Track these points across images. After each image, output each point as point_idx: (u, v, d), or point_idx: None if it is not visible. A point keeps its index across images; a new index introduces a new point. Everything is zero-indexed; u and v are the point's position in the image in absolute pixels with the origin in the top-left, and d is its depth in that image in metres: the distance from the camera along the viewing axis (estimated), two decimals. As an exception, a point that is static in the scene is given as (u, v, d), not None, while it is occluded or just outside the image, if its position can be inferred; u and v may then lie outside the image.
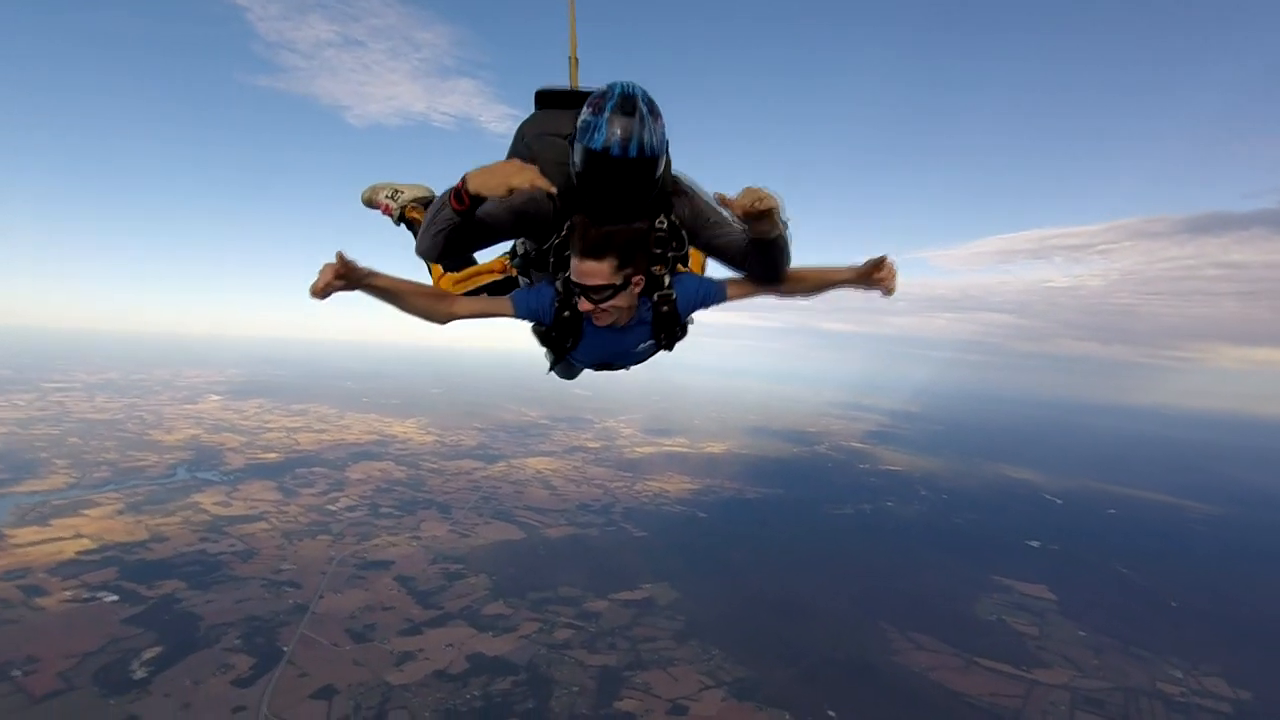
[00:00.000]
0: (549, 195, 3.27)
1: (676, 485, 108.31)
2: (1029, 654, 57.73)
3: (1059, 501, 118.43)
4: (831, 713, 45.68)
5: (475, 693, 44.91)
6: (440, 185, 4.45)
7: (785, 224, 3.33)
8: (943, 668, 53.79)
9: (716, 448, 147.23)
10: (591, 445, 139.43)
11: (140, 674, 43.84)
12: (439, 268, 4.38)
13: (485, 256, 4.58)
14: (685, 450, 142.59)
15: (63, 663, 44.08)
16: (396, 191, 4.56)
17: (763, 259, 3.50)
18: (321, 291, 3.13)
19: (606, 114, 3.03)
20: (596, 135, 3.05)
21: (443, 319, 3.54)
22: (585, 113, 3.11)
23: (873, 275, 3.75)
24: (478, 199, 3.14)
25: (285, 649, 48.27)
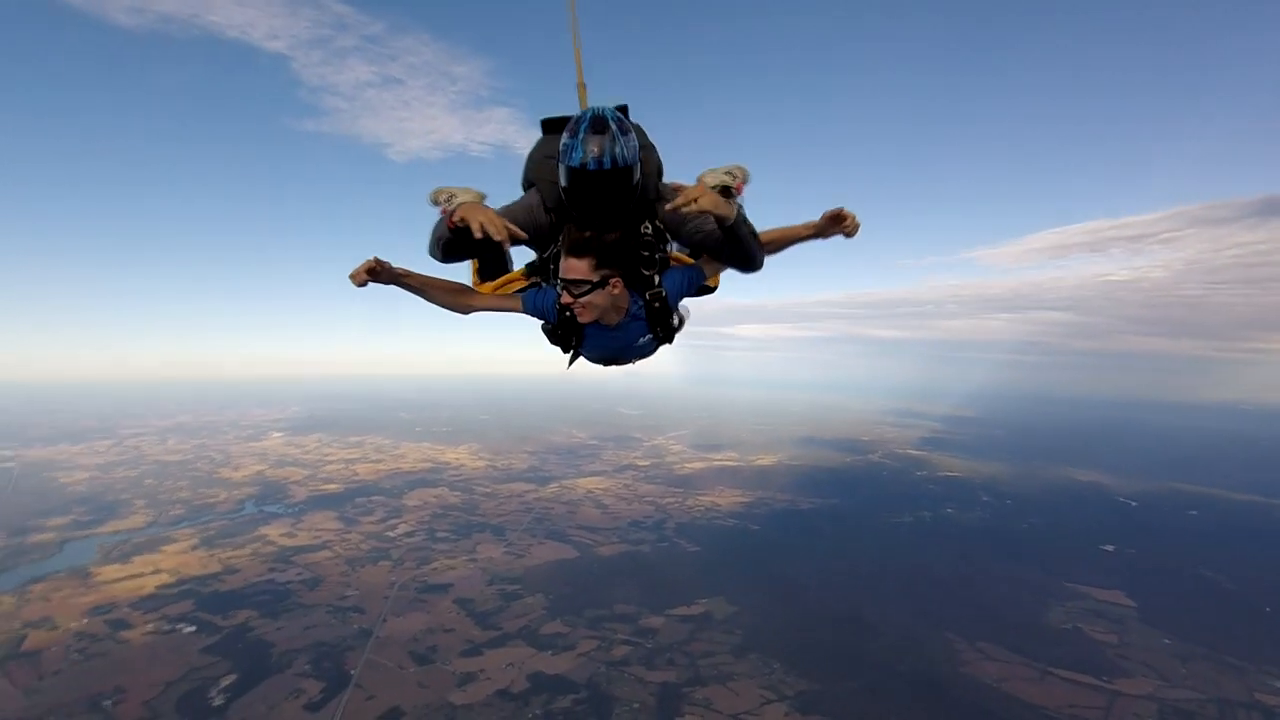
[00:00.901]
0: (544, 209, 4.02)
1: (728, 499, 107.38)
2: (1109, 663, 54.92)
3: (1134, 504, 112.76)
4: (900, 726, 44.37)
5: (537, 711, 45.20)
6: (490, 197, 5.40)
7: (739, 206, 3.77)
8: (1015, 678, 51.62)
9: (767, 460, 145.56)
10: (641, 463, 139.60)
11: (219, 701, 45.65)
12: (476, 277, 4.85)
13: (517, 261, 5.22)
14: (735, 464, 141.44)
15: (147, 692, 46.25)
16: (451, 195, 4.92)
17: (733, 248, 3.93)
18: (357, 279, 3.89)
19: (581, 135, 3.49)
20: (574, 154, 3.52)
21: (464, 310, 4.28)
22: (564, 137, 3.59)
23: (833, 226, 4.21)
24: (461, 226, 3.84)
25: (352, 672, 49.58)
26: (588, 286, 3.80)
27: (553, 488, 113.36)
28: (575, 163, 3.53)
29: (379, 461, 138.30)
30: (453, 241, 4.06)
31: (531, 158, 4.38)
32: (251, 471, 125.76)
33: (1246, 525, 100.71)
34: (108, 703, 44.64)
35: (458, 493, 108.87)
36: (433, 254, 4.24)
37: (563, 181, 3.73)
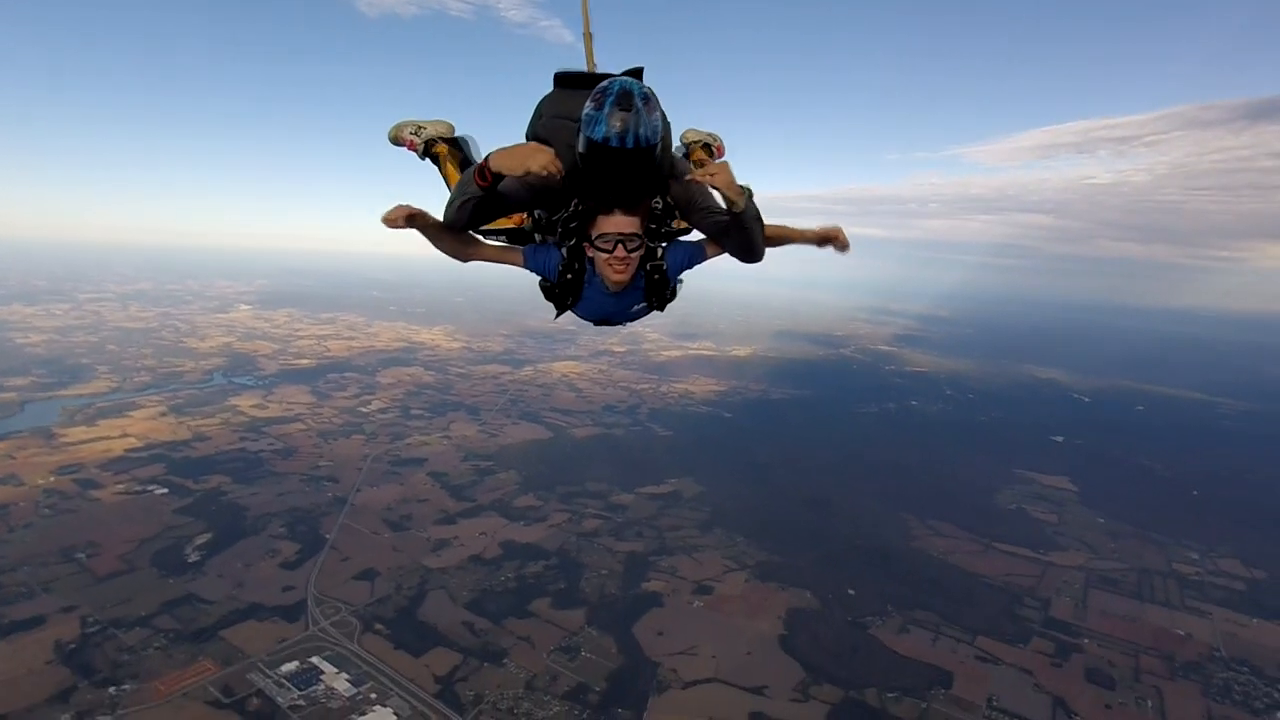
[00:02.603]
0: (560, 173, 3.62)
1: (702, 387, 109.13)
2: (1046, 539, 58.74)
3: (1086, 399, 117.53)
4: (851, 591, 47.32)
5: (509, 575, 47.15)
6: (461, 118, 5.18)
7: (749, 194, 3.70)
8: (960, 551, 55.08)
9: (742, 351, 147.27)
10: (617, 349, 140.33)
11: (194, 557, 46.65)
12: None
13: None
14: (711, 353, 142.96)
15: (122, 547, 46.97)
16: (419, 128, 4.91)
17: (739, 235, 3.90)
18: (390, 223, 3.62)
19: (606, 109, 3.30)
20: (597, 127, 3.31)
21: (465, 258, 4.15)
22: (588, 105, 3.37)
23: (827, 239, 4.23)
24: (499, 176, 3.53)
25: (327, 536, 50.80)
26: (638, 242, 3.80)
27: (528, 371, 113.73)
28: (598, 136, 3.34)
29: (352, 339, 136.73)
30: (484, 200, 3.70)
31: (541, 112, 4.16)
32: (219, 343, 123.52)
33: (1188, 420, 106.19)
34: (81, 555, 45.36)
35: (432, 372, 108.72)
36: (454, 223, 3.84)
37: (581, 149, 3.51)
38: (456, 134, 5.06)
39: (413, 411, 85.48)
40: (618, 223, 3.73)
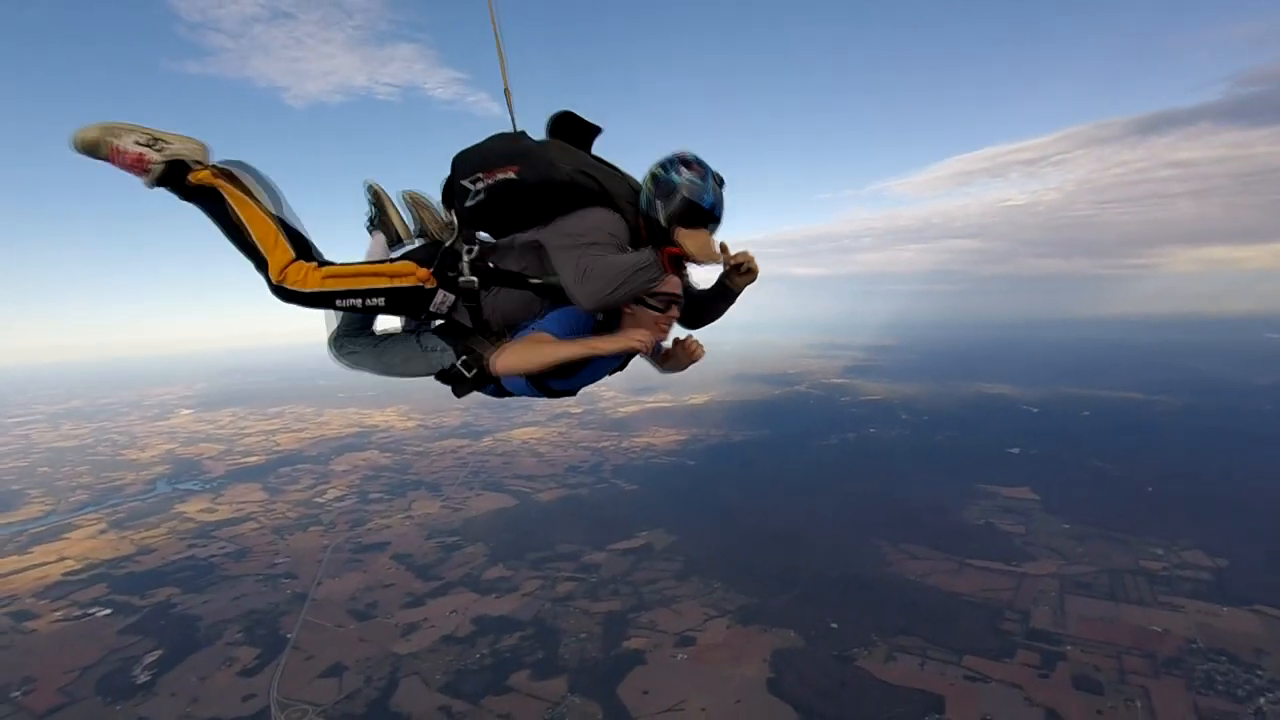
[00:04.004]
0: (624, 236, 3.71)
1: (663, 438, 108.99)
2: (1017, 550, 59.59)
3: (1035, 410, 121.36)
4: (834, 625, 46.89)
5: (484, 651, 45.28)
6: (398, 187, 4.33)
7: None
8: (936, 572, 55.37)
9: (700, 398, 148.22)
10: (574, 410, 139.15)
11: (143, 678, 43.47)
12: (290, 254, 3.51)
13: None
14: (669, 404, 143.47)
15: (62, 678, 43.51)
16: (156, 140, 3.34)
17: (717, 307, 4.24)
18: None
19: (710, 181, 3.63)
20: (706, 196, 3.60)
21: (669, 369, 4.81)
22: (687, 173, 3.61)
23: (737, 274, 4.11)
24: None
25: (289, 636, 48.12)
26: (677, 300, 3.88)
27: (487, 441, 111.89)
28: (707, 204, 3.63)
29: (301, 430, 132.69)
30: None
31: (553, 160, 3.62)
32: (160, 450, 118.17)
33: (1132, 420, 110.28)
34: (17, 694, 41.78)
35: (389, 454, 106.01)
36: (611, 298, 3.57)
37: (675, 210, 3.64)
38: (216, 160, 3.48)
39: (371, 495, 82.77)
40: (674, 283, 3.78)
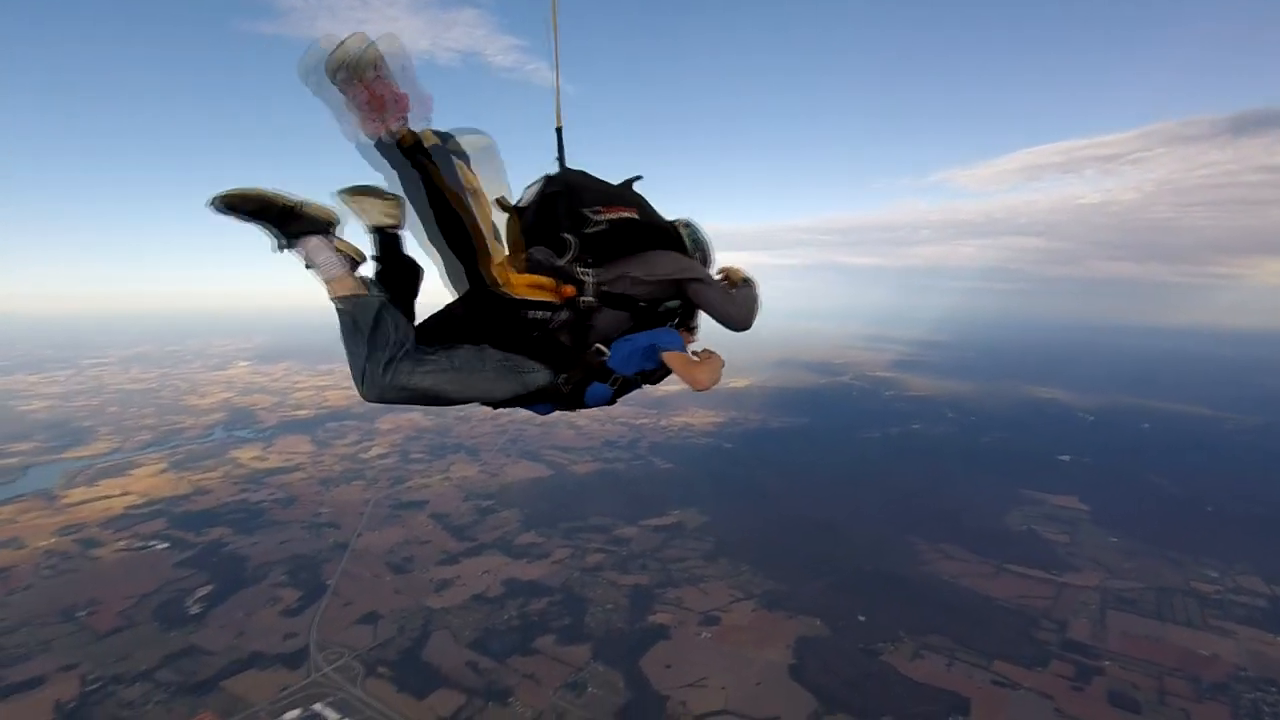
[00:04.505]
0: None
1: (702, 419, 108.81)
2: (1059, 560, 57.79)
3: (1090, 418, 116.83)
4: (861, 618, 46.46)
5: (513, 613, 46.43)
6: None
7: None
8: (971, 575, 54.18)
9: (740, 382, 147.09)
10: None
11: (195, 609, 46.05)
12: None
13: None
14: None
15: (122, 603, 46.43)
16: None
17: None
18: None
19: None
20: (710, 248, 4.59)
21: None
22: (701, 235, 4.56)
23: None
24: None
25: (329, 582, 50.20)
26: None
27: (526, 411, 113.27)
28: (709, 253, 4.63)
29: (350, 388, 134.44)
30: None
31: (642, 204, 4.21)
32: (219, 399, 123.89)
33: (1195, 436, 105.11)
34: (82, 613, 44.80)
35: (431, 417, 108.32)
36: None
37: (702, 252, 4.57)
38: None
39: (412, 455, 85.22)
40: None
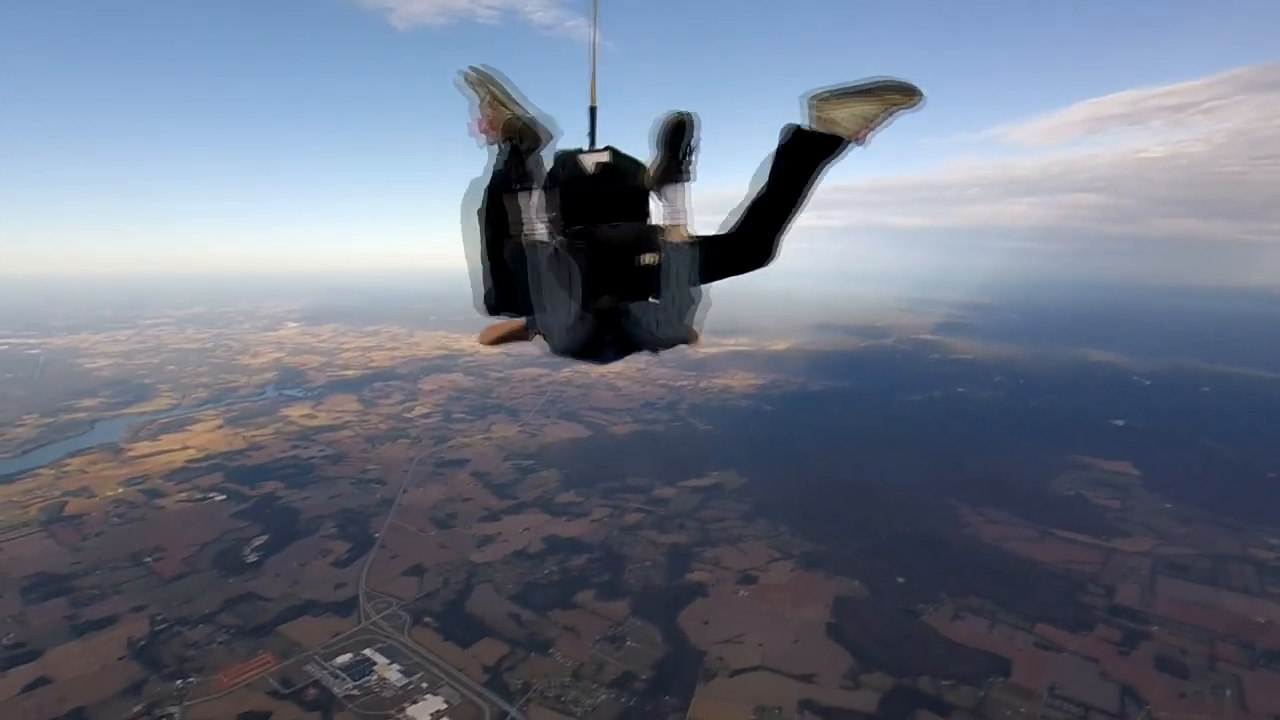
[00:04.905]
0: None
1: (741, 381, 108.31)
2: (1109, 525, 56.35)
3: (1147, 382, 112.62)
4: (900, 579, 46.23)
5: (553, 568, 47.50)
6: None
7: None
8: (1015, 539, 53.26)
9: (781, 345, 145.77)
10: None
11: (252, 558, 48.34)
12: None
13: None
14: (749, 349, 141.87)
15: (185, 550, 48.97)
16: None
17: None
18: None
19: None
20: None
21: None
22: None
23: None
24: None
25: (377, 535, 52.05)
26: None
27: (566, 372, 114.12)
28: None
29: (395, 349, 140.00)
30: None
31: None
32: (270, 359, 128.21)
33: (1257, 401, 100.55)
34: (149, 559, 47.48)
35: (472, 377, 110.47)
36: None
37: None
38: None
39: (454, 415, 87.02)
40: None
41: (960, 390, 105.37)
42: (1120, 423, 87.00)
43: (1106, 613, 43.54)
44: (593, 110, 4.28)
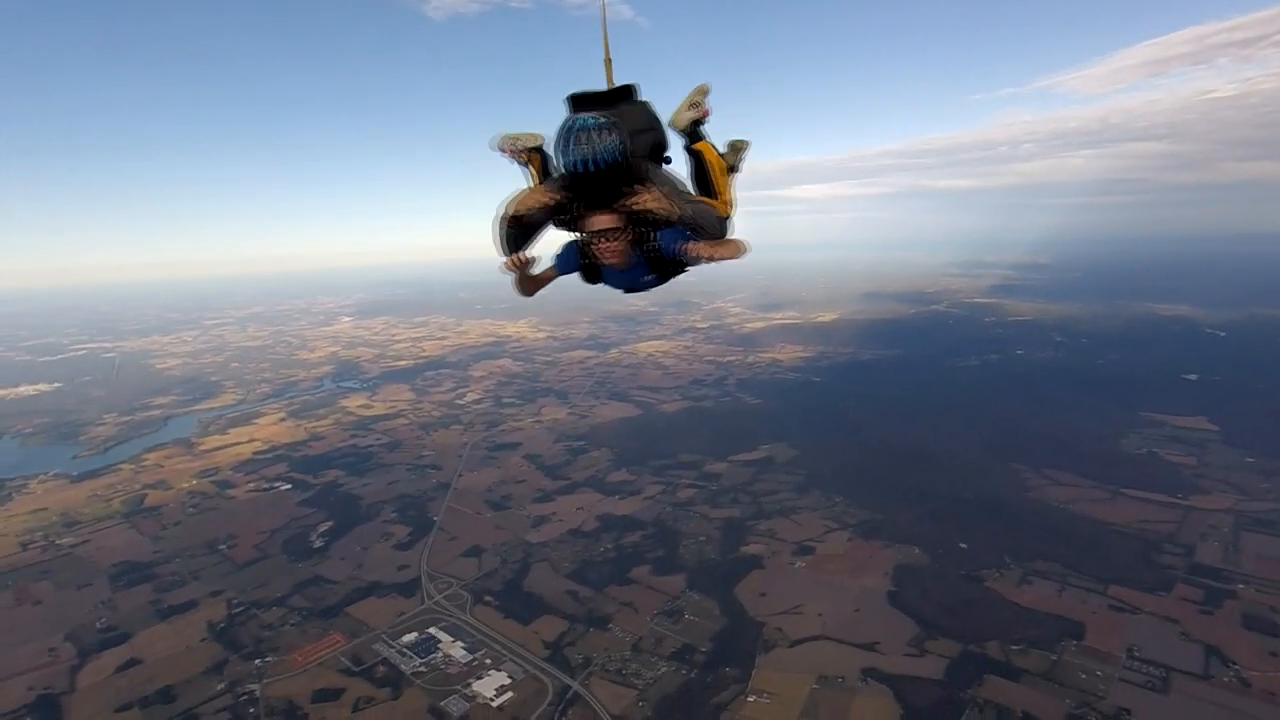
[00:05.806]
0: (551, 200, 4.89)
1: (789, 354, 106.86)
2: (1185, 482, 53.70)
3: (1222, 334, 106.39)
4: (963, 545, 45.03)
5: (608, 545, 47.89)
6: (532, 102, 5.33)
7: (681, 210, 4.71)
8: (1083, 500, 51.22)
9: (828, 316, 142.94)
10: (701, 325, 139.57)
11: (318, 543, 50.18)
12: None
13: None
14: (796, 321, 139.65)
15: (256, 537, 51.16)
16: (516, 140, 5.55)
17: (694, 230, 4.86)
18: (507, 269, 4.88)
19: (569, 143, 4.45)
20: (563, 158, 4.53)
21: (530, 293, 5.34)
22: (557, 140, 4.61)
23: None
24: (518, 215, 4.91)
25: (435, 519, 53.37)
26: (617, 234, 4.70)
27: (613, 353, 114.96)
28: (564, 165, 4.51)
29: (444, 338, 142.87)
30: (517, 232, 5.04)
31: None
32: (326, 352, 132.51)
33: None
34: (224, 546, 49.83)
35: (520, 363, 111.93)
36: (501, 249, 5.03)
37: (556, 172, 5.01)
38: (542, 145, 5.60)
39: (505, 400, 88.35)
40: (598, 221, 4.71)
41: (1019, 352, 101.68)
42: (1193, 377, 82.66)
43: (1186, 572, 41.58)
44: (608, 61, 5.47)
